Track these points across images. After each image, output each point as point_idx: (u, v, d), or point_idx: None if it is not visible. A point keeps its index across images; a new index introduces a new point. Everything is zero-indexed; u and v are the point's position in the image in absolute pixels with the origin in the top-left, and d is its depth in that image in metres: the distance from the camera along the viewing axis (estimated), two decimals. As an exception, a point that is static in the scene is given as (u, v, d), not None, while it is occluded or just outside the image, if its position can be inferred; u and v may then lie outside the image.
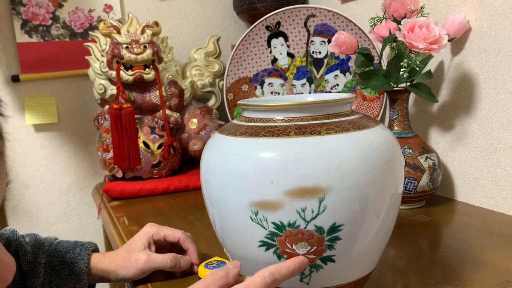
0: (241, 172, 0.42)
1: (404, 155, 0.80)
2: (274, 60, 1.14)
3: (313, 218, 0.41)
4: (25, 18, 1.17)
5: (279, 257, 0.43)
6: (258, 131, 0.44)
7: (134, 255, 0.58)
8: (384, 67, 0.86)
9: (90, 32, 1.13)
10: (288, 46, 1.12)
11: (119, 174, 1.05)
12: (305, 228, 0.41)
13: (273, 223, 0.41)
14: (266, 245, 0.43)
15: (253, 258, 0.45)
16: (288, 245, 0.42)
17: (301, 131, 0.43)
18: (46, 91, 1.23)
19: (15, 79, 1.18)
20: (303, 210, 0.40)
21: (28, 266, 0.58)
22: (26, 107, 1.21)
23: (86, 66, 1.12)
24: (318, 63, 1.11)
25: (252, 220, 0.42)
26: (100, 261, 0.60)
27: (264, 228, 0.42)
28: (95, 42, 1.08)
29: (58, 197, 1.27)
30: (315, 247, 0.42)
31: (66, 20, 1.21)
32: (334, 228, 0.41)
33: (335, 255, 0.43)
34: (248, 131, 0.45)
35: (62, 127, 1.25)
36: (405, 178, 0.79)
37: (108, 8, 1.24)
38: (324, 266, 0.43)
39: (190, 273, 0.61)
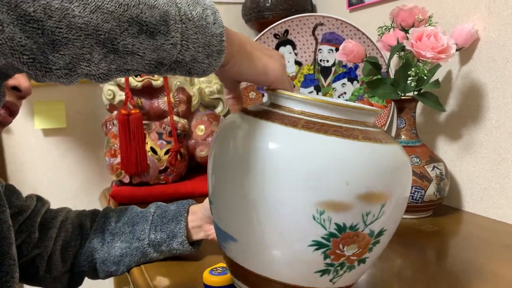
0: (314, 170, 0.40)
1: (411, 165, 0.80)
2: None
3: (371, 223, 0.42)
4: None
5: (326, 257, 0.43)
6: (324, 128, 0.42)
7: None
8: (392, 76, 0.86)
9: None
10: (295, 54, 1.13)
11: (126, 180, 1.06)
12: (362, 231, 0.42)
13: (336, 224, 0.41)
14: (318, 245, 0.42)
15: (294, 257, 0.44)
16: (341, 246, 0.42)
17: (353, 134, 0.43)
18: (55, 96, 1.24)
19: (25, 84, 1.19)
20: (367, 214, 0.41)
21: (141, 215, 0.66)
22: (36, 112, 1.22)
23: (96, 72, 1.13)
24: (325, 71, 1.12)
25: (314, 219, 0.41)
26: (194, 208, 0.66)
27: (325, 228, 0.41)
28: (105, 48, 1.09)
29: (65, 202, 1.27)
30: (361, 250, 0.43)
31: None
32: (380, 233, 0.43)
33: (369, 257, 0.44)
34: (309, 125, 0.43)
35: (70, 132, 1.27)
36: (412, 187, 0.79)
37: (118, 15, 1.26)
38: (357, 267, 0.44)
39: (194, 279, 0.61)
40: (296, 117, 0.44)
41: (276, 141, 0.42)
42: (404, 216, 0.82)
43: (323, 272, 0.44)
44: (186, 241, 0.63)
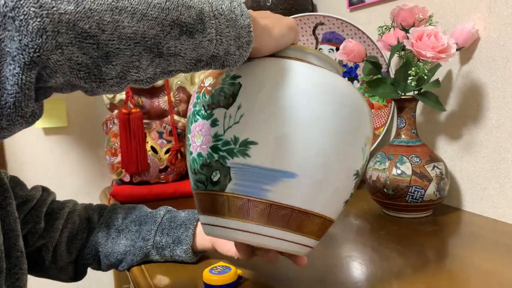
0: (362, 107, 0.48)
1: (411, 164, 0.80)
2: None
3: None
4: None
5: (354, 186, 0.50)
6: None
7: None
8: (392, 76, 0.86)
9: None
10: (296, 54, 1.13)
11: (127, 178, 1.06)
12: None
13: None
14: (357, 175, 0.49)
15: (343, 186, 0.48)
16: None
17: None
18: (56, 95, 1.24)
19: (26, 83, 1.20)
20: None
21: (150, 215, 0.66)
22: (37, 111, 1.22)
23: (96, 71, 1.13)
24: (326, 70, 1.12)
25: (362, 151, 0.48)
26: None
27: (363, 159, 0.49)
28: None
29: (66, 201, 1.28)
30: None
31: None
32: None
33: None
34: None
35: (71, 131, 1.27)
36: (412, 186, 0.79)
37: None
38: None
39: (194, 278, 0.61)
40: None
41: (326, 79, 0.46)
42: (404, 216, 0.83)
43: (346, 202, 0.50)
44: (190, 250, 0.62)
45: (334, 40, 1.09)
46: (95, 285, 1.30)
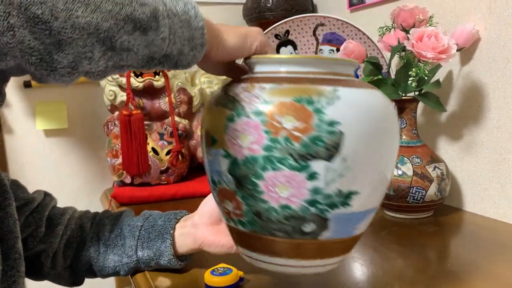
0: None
1: (412, 164, 0.80)
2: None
3: None
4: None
5: None
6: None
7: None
8: (393, 76, 0.86)
9: (101, 39, 1.14)
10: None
11: (128, 180, 1.06)
12: None
13: None
14: None
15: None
16: None
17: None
18: (57, 97, 1.24)
19: (27, 84, 1.20)
20: None
21: (128, 228, 0.64)
22: (37, 113, 1.22)
23: (97, 73, 1.13)
24: (326, 71, 1.12)
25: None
26: (185, 226, 0.63)
27: None
28: (106, 49, 1.10)
29: (66, 202, 1.27)
30: None
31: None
32: None
33: None
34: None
35: (72, 132, 1.27)
36: (413, 187, 0.79)
37: (119, 15, 1.26)
38: None
39: (195, 279, 0.61)
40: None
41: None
42: (405, 216, 0.82)
43: None
44: (173, 259, 0.61)
45: (335, 41, 1.09)
46: (97, 286, 1.30)
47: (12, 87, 1.21)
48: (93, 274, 0.65)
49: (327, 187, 0.41)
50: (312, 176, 0.41)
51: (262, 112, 0.41)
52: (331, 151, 0.40)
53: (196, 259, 0.66)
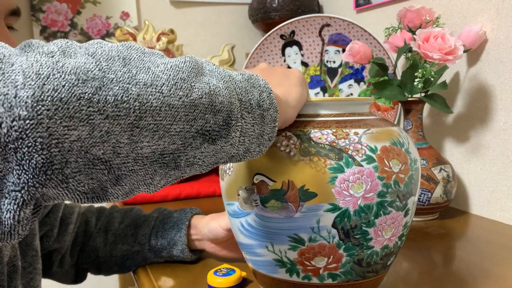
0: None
1: (417, 166, 0.79)
2: (288, 68, 1.14)
3: None
4: (44, 24, 1.19)
5: None
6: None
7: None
8: (399, 77, 0.86)
9: (106, 39, 1.15)
10: (302, 55, 1.13)
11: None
12: None
13: None
14: None
15: None
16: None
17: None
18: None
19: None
20: None
21: (143, 218, 0.66)
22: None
23: (102, 72, 1.13)
24: (332, 72, 1.11)
25: None
26: (198, 220, 0.64)
27: None
28: (112, 48, 1.10)
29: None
30: None
31: (84, 26, 1.23)
32: None
33: None
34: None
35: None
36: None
37: (125, 15, 1.26)
38: None
39: (199, 280, 0.61)
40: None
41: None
42: (410, 219, 0.82)
43: None
44: (186, 249, 0.62)
45: (341, 42, 1.08)
46: (100, 286, 1.30)
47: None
48: (96, 266, 0.66)
49: (410, 219, 0.45)
50: (406, 213, 0.44)
51: (373, 159, 0.41)
52: (416, 187, 0.44)
53: (200, 260, 0.65)
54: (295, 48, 1.12)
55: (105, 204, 0.80)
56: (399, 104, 1.03)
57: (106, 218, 0.67)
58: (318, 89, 1.12)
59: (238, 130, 0.33)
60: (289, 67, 1.14)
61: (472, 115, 0.85)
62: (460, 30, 0.81)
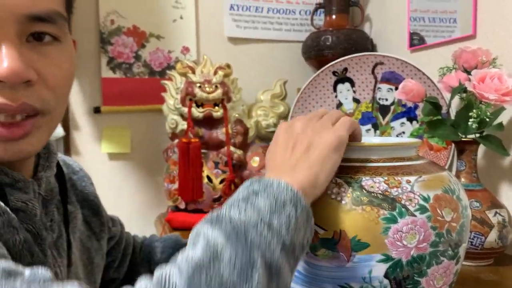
0: None
1: (471, 208, 0.77)
2: (339, 104, 1.15)
3: None
4: (111, 56, 1.29)
5: None
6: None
7: None
8: (453, 117, 0.85)
9: (167, 71, 1.22)
10: (354, 92, 1.14)
11: (182, 205, 1.09)
12: None
13: None
14: None
15: None
16: None
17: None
18: (122, 122, 1.32)
19: (96, 110, 1.29)
20: None
21: (183, 247, 0.65)
22: (104, 137, 1.30)
23: (161, 102, 1.20)
24: (384, 109, 1.11)
25: None
26: None
27: None
28: (172, 80, 1.16)
29: (123, 223, 1.33)
30: None
31: (147, 59, 1.31)
32: None
33: None
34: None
35: (133, 157, 1.34)
36: (471, 232, 0.75)
37: (186, 50, 1.34)
38: None
39: None
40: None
41: None
42: (463, 263, 0.78)
43: None
44: None
45: (393, 80, 1.09)
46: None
47: (82, 112, 1.30)
48: None
49: (459, 267, 0.45)
50: (457, 261, 0.43)
51: (426, 209, 0.41)
52: (467, 234, 0.43)
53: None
54: (347, 84, 1.14)
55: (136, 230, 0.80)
56: (452, 145, 1.00)
57: (147, 248, 0.69)
58: (369, 126, 1.13)
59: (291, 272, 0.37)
60: (340, 104, 1.15)
61: (531, 159, 0.82)
62: (519, 72, 0.79)
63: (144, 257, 0.68)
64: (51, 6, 0.39)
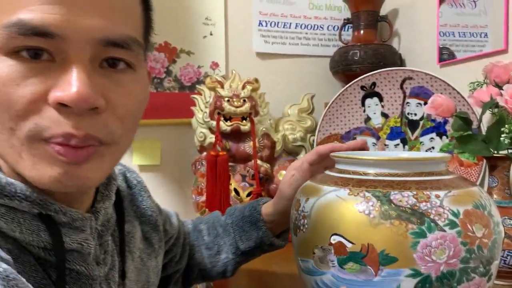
0: None
1: (504, 226, 0.75)
2: (368, 119, 1.15)
3: None
4: (143, 71, 1.33)
5: None
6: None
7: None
8: (484, 132, 0.83)
9: (197, 86, 1.24)
10: (382, 106, 1.13)
11: (209, 218, 1.11)
12: None
13: None
14: None
15: None
16: None
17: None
18: (153, 135, 1.35)
19: (128, 123, 1.32)
20: None
21: (222, 229, 0.68)
22: (135, 149, 1.34)
23: (190, 115, 1.22)
24: (413, 124, 1.10)
25: None
26: (267, 206, 0.67)
27: None
28: (201, 94, 1.19)
29: (151, 234, 1.35)
30: None
31: (178, 74, 1.34)
32: None
33: None
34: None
35: (163, 169, 1.36)
36: (504, 250, 0.73)
37: (215, 65, 1.36)
38: None
39: None
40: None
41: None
42: (495, 282, 0.76)
43: None
44: (274, 240, 0.65)
45: (422, 95, 1.08)
46: None
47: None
48: (201, 278, 0.69)
49: (492, 286, 0.44)
50: (490, 278, 0.42)
51: (456, 224, 0.41)
52: (499, 251, 0.43)
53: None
54: (375, 99, 1.14)
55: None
56: (484, 161, 0.98)
57: (195, 234, 0.71)
58: (398, 141, 1.12)
59: None
60: (368, 118, 1.15)
61: None
62: (553, 87, 0.77)
63: (194, 242, 0.70)
64: (128, 32, 0.37)
